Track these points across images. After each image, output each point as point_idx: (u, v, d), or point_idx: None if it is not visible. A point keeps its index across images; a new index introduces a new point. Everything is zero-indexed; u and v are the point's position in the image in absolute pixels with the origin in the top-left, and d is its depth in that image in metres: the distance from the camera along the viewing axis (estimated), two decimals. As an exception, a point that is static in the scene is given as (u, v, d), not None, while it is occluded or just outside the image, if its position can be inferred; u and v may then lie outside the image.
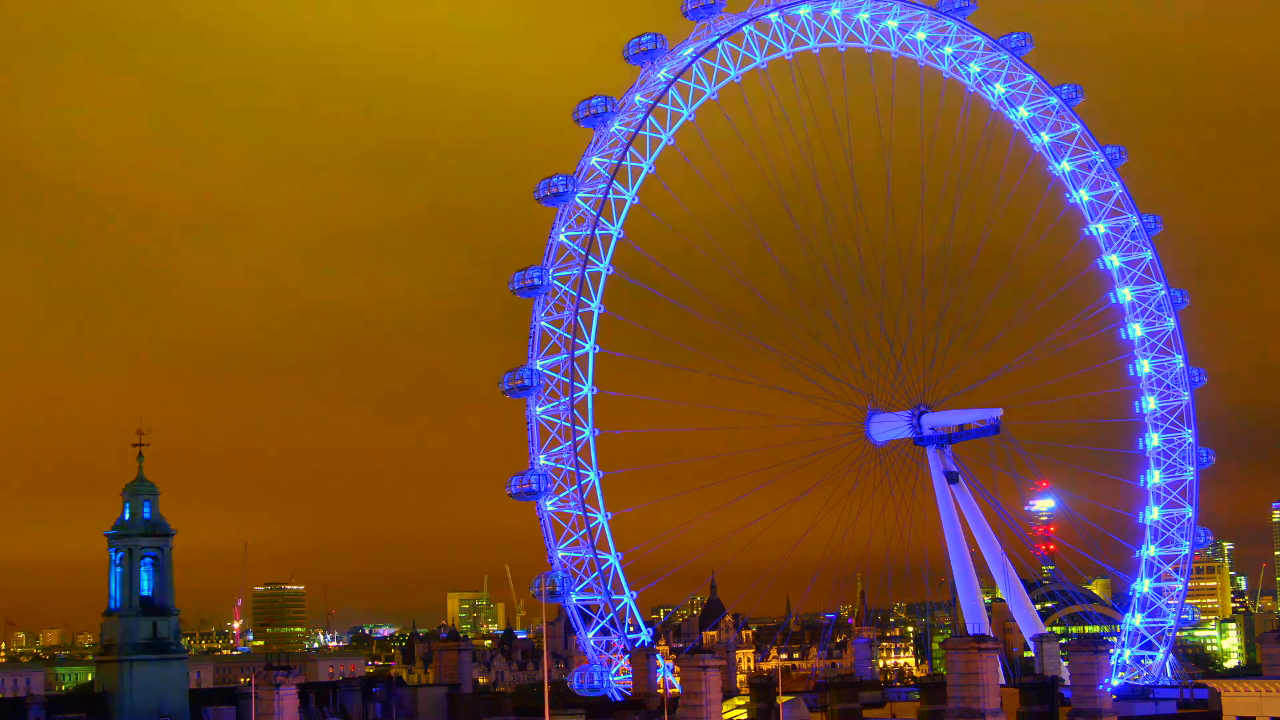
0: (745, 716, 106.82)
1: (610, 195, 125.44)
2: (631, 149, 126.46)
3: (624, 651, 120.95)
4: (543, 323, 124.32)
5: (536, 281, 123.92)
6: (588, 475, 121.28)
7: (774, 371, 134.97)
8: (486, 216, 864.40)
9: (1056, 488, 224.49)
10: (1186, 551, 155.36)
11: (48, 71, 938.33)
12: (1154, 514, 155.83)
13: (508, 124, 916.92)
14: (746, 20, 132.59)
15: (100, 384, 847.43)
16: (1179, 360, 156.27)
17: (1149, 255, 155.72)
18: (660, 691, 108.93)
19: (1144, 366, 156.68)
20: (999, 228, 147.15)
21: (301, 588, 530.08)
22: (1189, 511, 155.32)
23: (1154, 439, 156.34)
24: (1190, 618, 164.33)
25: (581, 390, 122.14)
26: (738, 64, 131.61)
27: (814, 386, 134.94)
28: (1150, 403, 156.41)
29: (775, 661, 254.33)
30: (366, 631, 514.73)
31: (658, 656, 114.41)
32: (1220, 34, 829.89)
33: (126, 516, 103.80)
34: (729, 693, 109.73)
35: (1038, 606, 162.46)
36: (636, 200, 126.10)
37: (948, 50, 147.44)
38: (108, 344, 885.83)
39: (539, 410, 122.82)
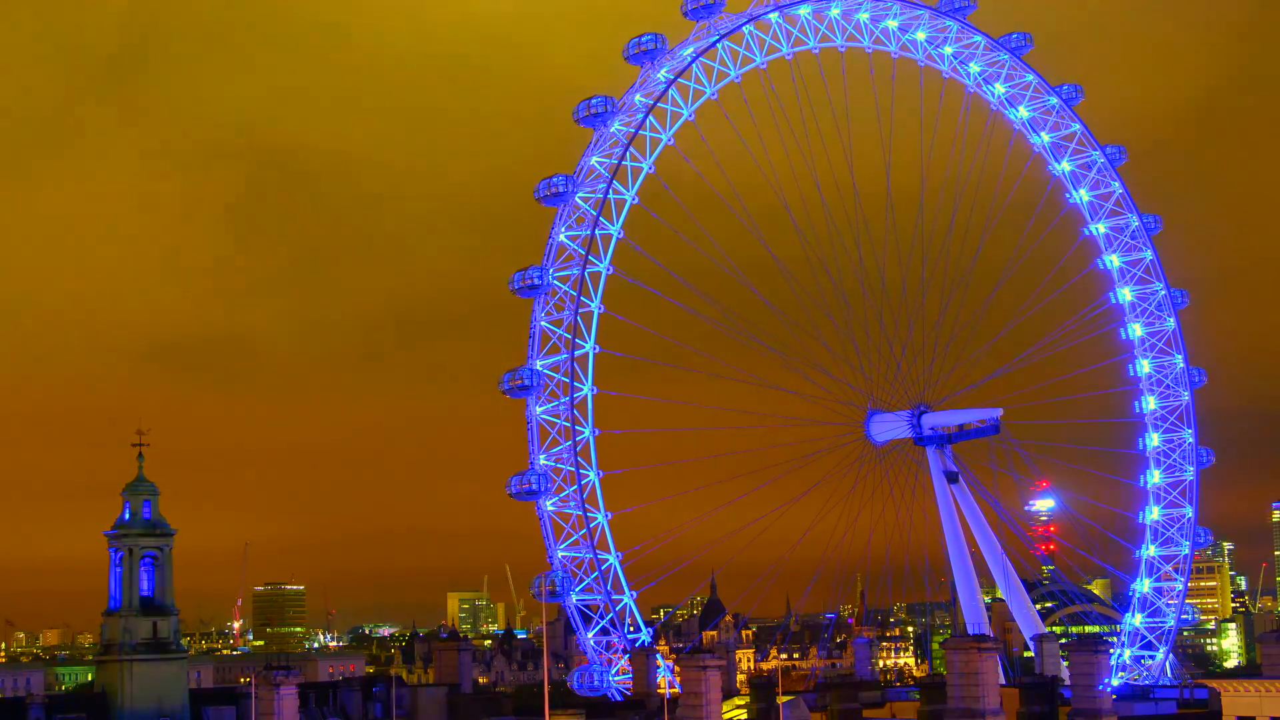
0: (745, 716, 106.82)
1: (610, 195, 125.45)
2: (631, 149, 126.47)
3: (624, 651, 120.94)
4: (543, 323, 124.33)
5: (536, 281, 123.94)
6: (588, 475, 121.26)
7: (774, 371, 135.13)
8: (486, 216, 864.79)
9: (1056, 488, 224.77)
10: (1186, 551, 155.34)
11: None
12: (1154, 514, 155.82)
13: (508, 124, 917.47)
14: (746, 20, 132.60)
15: (100, 384, 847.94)
16: (1179, 360, 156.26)
17: (1149, 255, 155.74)
18: (660, 691, 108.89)
19: (1144, 366, 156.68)
20: (999, 228, 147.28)
21: (301, 588, 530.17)
22: (1189, 511, 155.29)
23: (1154, 439, 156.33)
24: (1190, 618, 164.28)
25: (581, 390, 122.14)
26: (738, 64, 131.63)
27: (814, 386, 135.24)
28: (1150, 403, 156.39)
29: (775, 661, 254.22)
30: (366, 631, 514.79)
31: (658, 656, 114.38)
32: (1220, 33, 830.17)
33: (126, 516, 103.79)
34: (729, 693, 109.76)
35: (1038, 606, 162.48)
36: (636, 200, 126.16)
37: (948, 50, 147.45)
38: (108, 344, 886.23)
39: (539, 410, 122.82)
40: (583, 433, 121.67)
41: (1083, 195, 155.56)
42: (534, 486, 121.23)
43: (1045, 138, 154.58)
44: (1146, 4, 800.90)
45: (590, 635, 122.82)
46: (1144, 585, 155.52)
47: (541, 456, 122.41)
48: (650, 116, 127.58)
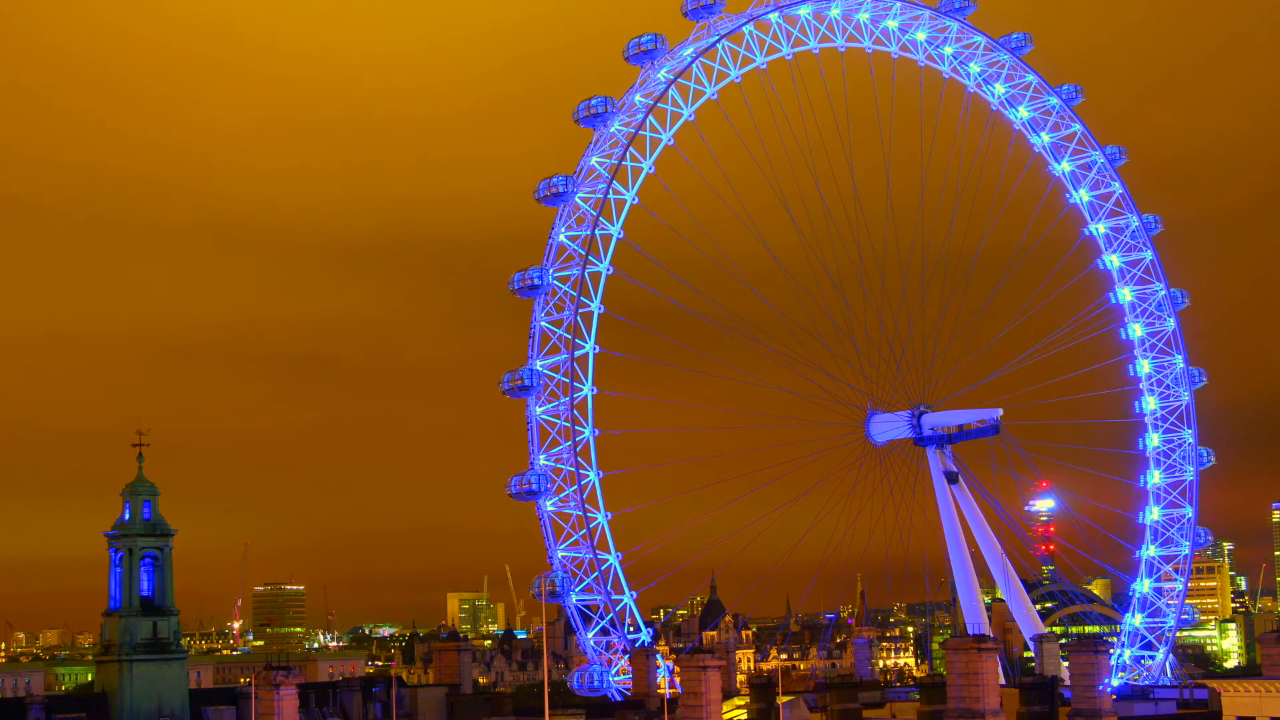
0: (745, 716, 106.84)
1: (610, 195, 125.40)
2: (631, 149, 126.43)
3: (624, 651, 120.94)
4: (543, 323, 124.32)
5: (536, 281, 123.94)
6: (588, 475, 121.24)
7: (774, 371, 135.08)
8: (486, 216, 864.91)
9: (1056, 488, 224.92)
10: (1186, 551, 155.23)
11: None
12: (1154, 514, 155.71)
13: (508, 124, 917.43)
14: (746, 20, 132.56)
15: (100, 384, 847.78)
16: (1179, 360, 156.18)
17: (1149, 255, 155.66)
18: (660, 691, 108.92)
19: (1144, 366, 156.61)
20: (999, 228, 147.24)
21: (301, 588, 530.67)
22: (1189, 511, 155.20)
23: (1154, 439, 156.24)
24: (1190, 618, 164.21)
25: (581, 390, 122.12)
26: (738, 64, 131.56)
27: (814, 386, 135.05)
28: (1150, 403, 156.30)
29: (775, 661, 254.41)
30: (366, 631, 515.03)
31: (658, 656, 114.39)
32: (1222, 31, 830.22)
33: (126, 516, 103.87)
34: (729, 693, 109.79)
35: (1038, 606, 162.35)
36: (636, 200, 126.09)
37: (948, 50, 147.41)
38: (108, 344, 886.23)
39: (539, 410, 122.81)
40: (583, 433, 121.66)
41: (1083, 195, 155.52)
42: (534, 486, 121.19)
43: (1045, 138, 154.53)
44: (1147, 4, 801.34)
45: (590, 635, 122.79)
46: (1144, 585, 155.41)
47: (541, 456, 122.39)
48: (650, 116, 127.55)
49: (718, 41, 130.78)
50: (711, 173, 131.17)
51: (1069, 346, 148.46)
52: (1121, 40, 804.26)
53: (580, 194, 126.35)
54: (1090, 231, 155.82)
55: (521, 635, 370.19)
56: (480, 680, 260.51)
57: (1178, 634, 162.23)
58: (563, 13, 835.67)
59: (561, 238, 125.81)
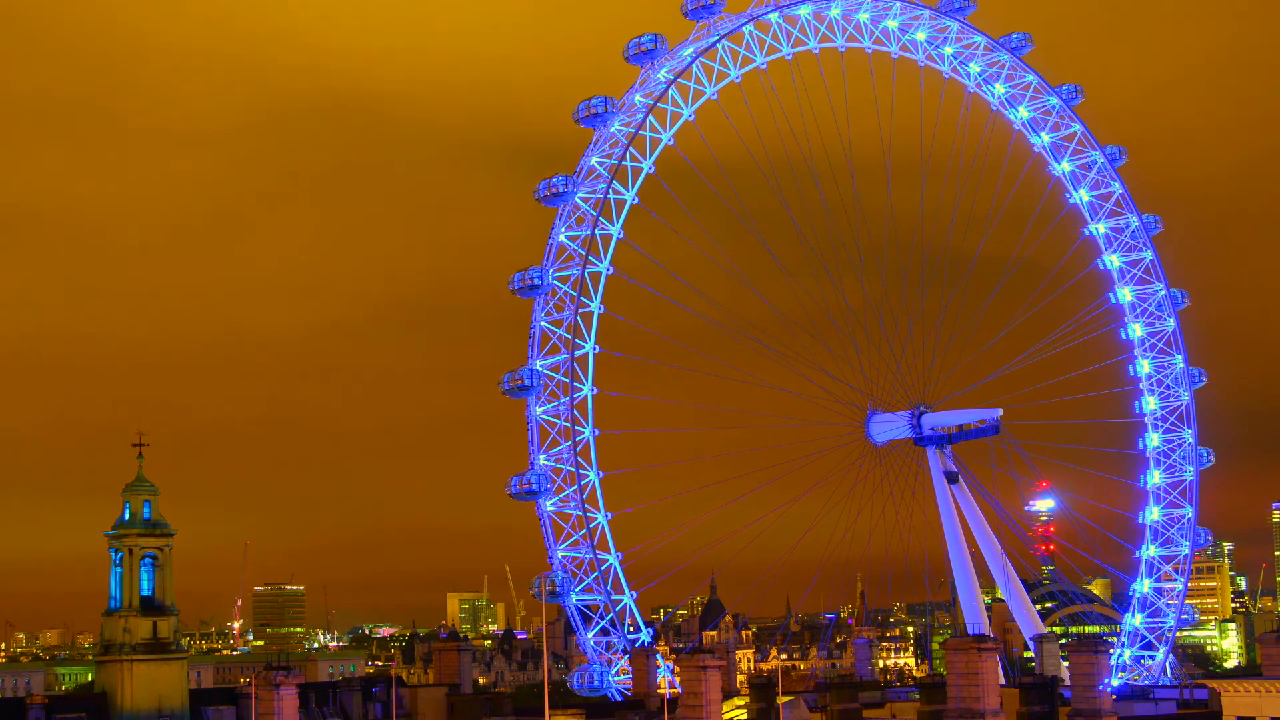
0: (745, 716, 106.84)
1: (610, 195, 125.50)
2: (631, 149, 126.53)
3: (624, 651, 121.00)
4: (543, 323, 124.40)
5: (536, 281, 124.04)
6: (588, 475, 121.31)
7: (774, 371, 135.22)
8: (486, 217, 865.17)
9: (1056, 488, 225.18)
10: (1186, 551, 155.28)
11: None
12: (1154, 514, 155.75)
13: (508, 124, 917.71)
14: (746, 20, 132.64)
15: (100, 384, 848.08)
16: (1179, 360, 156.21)
17: (1149, 255, 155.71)
18: (660, 691, 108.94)
19: (1144, 366, 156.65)
20: (999, 227, 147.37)
21: (301, 588, 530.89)
22: (1189, 511, 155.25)
23: (1154, 439, 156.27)
24: (1190, 618, 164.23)
25: (581, 390, 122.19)
26: (738, 64, 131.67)
27: (814, 386, 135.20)
28: (1150, 403, 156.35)
29: (775, 661, 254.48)
30: (366, 631, 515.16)
31: (658, 656, 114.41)
32: (1223, 32, 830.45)
33: (126, 516, 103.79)
34: (729, 693, 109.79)
35: (1038, 606, 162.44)
36: (636, 200, 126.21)
37: (948, 50, 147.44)
38: (108, 344, 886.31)
39: (539, 410, 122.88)
40: (583, 433, 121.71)
41: (1083, 195, 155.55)
42: (534, 486, 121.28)
43: (1045, 138, 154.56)
44: (1148, 3, 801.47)
45: (590, 635, 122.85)
46: (1144, 585, 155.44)
47: (541, 456, 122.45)
48: (650, 116, 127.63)
49: (718, 41, 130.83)
50: (712, 173, 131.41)
51: (1069, 346, 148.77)
52: (1121, 40, 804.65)
53: (580, 194, 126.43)
54: (1090, 231, 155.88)
55: (521, 635, 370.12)
56: (480, 680, 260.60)
57: (1178, 634, 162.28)
58: (563, 12, 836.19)
59: (561, 238, 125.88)
